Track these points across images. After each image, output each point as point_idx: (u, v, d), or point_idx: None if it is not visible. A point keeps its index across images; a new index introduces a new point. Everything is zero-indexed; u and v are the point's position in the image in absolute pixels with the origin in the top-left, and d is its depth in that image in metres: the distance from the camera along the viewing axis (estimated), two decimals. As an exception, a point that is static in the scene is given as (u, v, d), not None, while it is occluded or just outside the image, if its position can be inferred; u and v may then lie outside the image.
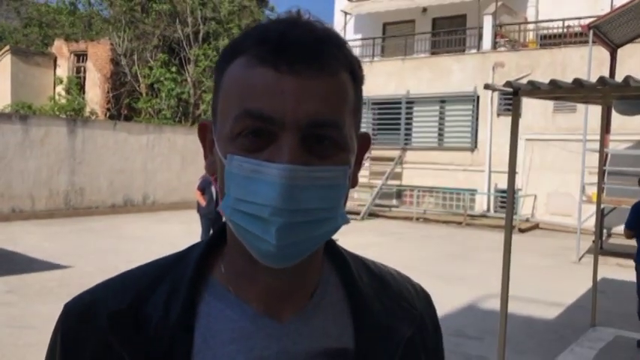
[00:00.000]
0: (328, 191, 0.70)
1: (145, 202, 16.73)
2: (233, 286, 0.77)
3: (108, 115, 20.56)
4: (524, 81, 4.63)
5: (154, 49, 21.43)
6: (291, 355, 0.75)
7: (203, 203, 9.89)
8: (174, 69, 21.27)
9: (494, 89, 4.59)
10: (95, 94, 21.08)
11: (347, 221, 0.73)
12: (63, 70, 21.96)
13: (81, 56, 22.07)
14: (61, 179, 14.72)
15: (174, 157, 17.47)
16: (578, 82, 4.22)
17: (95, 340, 0.75)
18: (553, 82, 4.27)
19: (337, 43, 0.72)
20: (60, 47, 22.14)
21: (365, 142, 0.80)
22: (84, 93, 21.44)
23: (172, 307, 0.75)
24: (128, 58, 20.98)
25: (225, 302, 0.76)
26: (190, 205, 14.41)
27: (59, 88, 21.52)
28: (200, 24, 21.54)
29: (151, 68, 21.19)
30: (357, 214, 16.49)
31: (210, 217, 9.91)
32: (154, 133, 17.10)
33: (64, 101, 20.83)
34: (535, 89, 4.38)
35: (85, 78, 21.78)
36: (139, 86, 21.28)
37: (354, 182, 0.77)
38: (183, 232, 12.16)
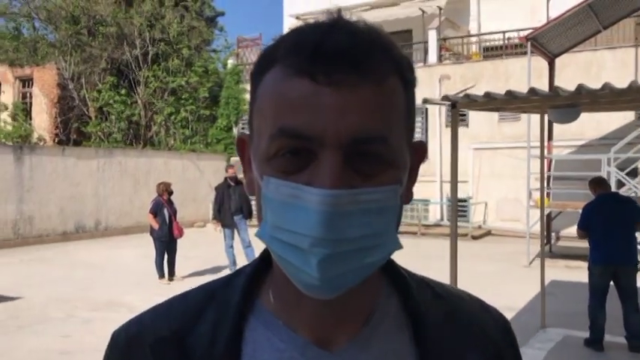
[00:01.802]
0: (376, 215, 0.62)
1: (97, 228, 16.40)
2: (280, 312, 0.71)
3: (57, 140, 20.11)
4: (471, 92, 4.80)
5: (102, 72, 21.12)
6: None
7: (156, 226, 9.79)
8: (123, 91, 21.01)
9: (432, 103, 4.77)
10: (42, 120, 20.61)
11: (399, 246, 0.65)
12: (8, 96, 21.41)
13: (26, 81, 21.58)
14: (9, 208, 14.30)
15: (126, 181, 17.22)
16: (510, 94, 4.42)
17: None
18: (487, 95, 4.46)
19: (382, 46, 0.64)
20: (4, 73, 21.60)
21: (420, 152, 0.72)
22: (31, 119, 20.93)
23: (218, 335, 0.70)
24: (76, 82, 20.61)
25: (272, 330, 0.71)
26: (144, 228, 14.19)
27: (4, 115, 20.95)
28: (149, 45, 21.38)
29: (99, 91, 20.87)
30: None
31: (164, 240, 9.82)
32: (104, 157, 16.82)
33: (9, 128, 20.29)
34: (472, 102, 4.56)
35: (31, 103, 21.28)
36: (87, 110, 20.91)
37: (407, 199, 0.69)
38: (137, 256, 11.98)
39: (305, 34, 0.64)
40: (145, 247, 10.32)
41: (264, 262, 0.75)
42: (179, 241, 10.13)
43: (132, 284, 9.62)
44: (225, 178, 10.84)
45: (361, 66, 0.61)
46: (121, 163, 17.17)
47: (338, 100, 0.60)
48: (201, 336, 0.71)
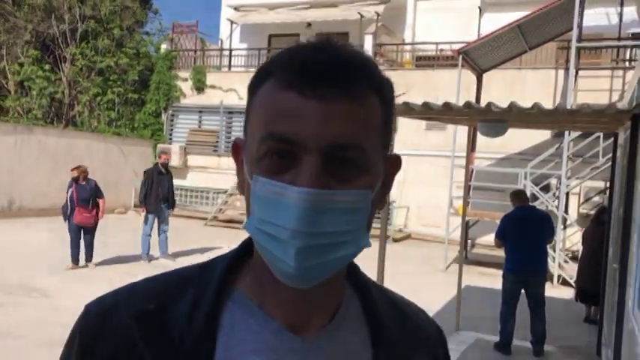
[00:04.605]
0: (349, 215, 0.70)
1: (10, 207, 15.58)
2: (257, 298, 0.78)
3: (-29, 112, 18.98)
4: (400, 100, 4.95)
5: (25, 45, 20.08)
6: None
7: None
8: (47, 67, 20.05)
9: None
10: (-44, 89, 19.39)
11: (368, 245, 0.73)
12: None
13: (-60, 47, 20.21)
14: None
15: (45, 160, 16.43)
16: (447, 106, 4.61)
17: (115, 341, 0.75)
18: (425, 104, 4.63)
19: (364, 66, 0.73)
20: None
21: (395, 164, 0.81)
22: (-58, 87, 19.64)
23: (196, 315, 0.76)
24: (-5, 52, 19.53)
25: (248, 313, 0.77)
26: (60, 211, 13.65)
27: None
28: (78, 21, 20.51)
29: (21, 65, 19.84)
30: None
31: (70, 222, 9.45)
32: (22, 134, 15.99)
33: None
34: (409, 109, 4.71)
35: (-56, 71, 19.97)
36: (7, 83, 19.84)
37: (381, 204, 0.77)
38: (52, 239, 11.47)
39: (296, 52, 0.73)
40: (62, 230, 9.91)
41: (243, 251, 0.82)
42: (99, 227, 9.80)
43: (45, 268, 9.24)
44: (156, 164, 10.66)
45: (342, 83, 0.70)
46: (40, 141, 16.38)
47: (321, 111, 0.69)
48: (179, 314, 0.76)
